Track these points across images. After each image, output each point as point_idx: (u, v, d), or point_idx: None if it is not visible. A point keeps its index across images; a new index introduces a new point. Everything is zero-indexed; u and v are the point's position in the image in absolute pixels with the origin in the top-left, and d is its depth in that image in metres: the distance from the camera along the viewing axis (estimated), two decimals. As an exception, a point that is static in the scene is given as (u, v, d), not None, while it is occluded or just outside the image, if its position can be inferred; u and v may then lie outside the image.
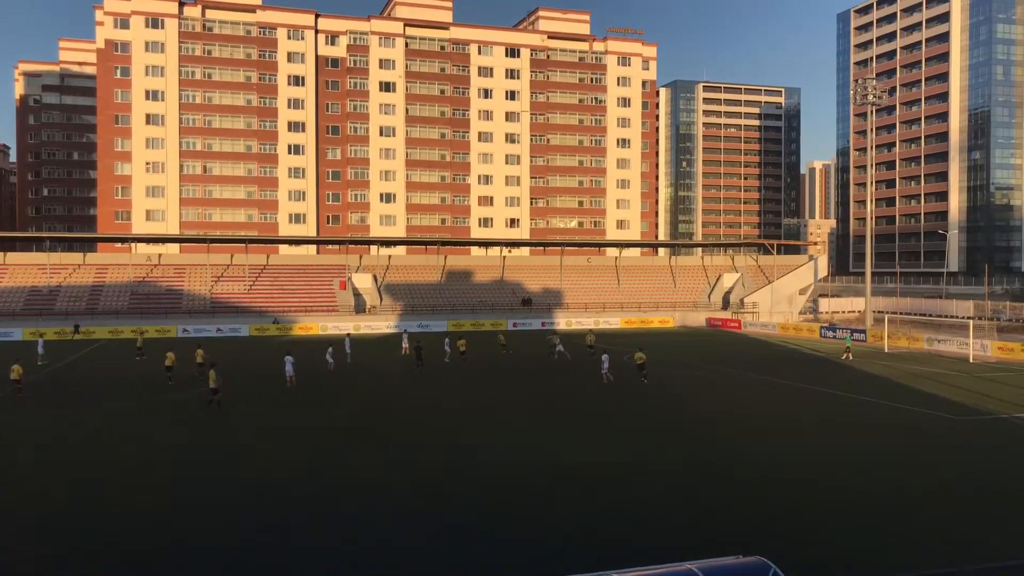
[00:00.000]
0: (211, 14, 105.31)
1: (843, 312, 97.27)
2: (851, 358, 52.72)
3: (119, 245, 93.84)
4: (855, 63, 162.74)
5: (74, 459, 24.76)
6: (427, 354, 48.33)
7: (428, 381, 42.28)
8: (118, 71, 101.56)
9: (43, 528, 18.04)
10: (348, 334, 57.06)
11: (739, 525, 18.21)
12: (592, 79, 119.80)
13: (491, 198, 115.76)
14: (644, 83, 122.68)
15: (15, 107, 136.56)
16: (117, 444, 26.82)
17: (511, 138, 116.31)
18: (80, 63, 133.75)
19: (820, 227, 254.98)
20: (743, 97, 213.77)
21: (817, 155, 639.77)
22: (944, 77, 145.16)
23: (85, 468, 23.55)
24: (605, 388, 39.26)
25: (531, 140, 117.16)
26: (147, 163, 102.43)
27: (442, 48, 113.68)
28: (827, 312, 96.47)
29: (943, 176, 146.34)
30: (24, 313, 73.37)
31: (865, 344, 64.49)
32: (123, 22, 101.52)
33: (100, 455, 25.24)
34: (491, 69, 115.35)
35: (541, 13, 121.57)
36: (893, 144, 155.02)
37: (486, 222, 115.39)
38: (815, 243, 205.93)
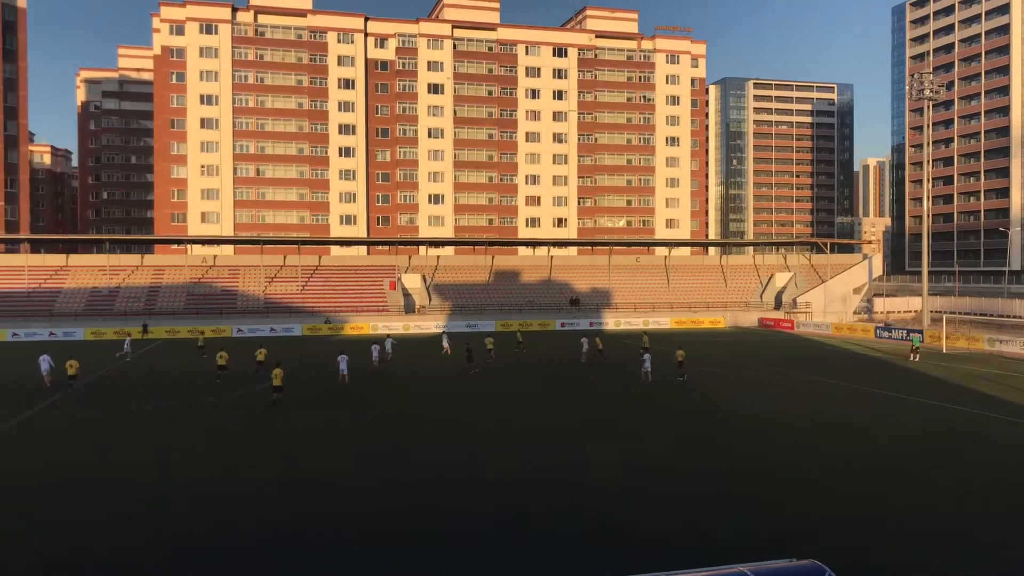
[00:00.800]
0: (263, 19, 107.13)
1: (899, 312, 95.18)
2: (918, 359, 51.70)
3: (175, 247, 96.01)
4: (911, 57, 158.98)
5: (137, 455, 25.42)
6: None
7: (476, 381, 42.47)
8: (174, 76, 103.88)
9: (133, 520, 18.58)
10: (389, 335, 57.64)
11: (792, 528, 17.97)
12: (640, 77, 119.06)
13: (538, 198, 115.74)
14: (693, 81, 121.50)
15: (77, 113, 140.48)
16: (201, 438, 27.48)
17: (558, 138, 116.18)
18: (138, 69, 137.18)
19: (875, 225, 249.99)
20: (794, 94, 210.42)
21: (871, 152, 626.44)
22: (1005, 70, 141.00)
23: (148, 466, 24.19)
24: (652, 388, 39.00)
25: (579, 139, 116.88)
26: (202, 166, 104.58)
27: (489, 49, 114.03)
28: (882, 312, 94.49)
29: (1004, 172, 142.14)
30: (86, 313, 75.49)
31: (922, 345, 63.02)
32: (178, 29, 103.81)
33: (179, 449, 25.90)
34: (538, 69, 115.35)
35: (589, 12, 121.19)
36: (951, 140, 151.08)
37: (533, 222, 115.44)
38: (869, 242, 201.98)
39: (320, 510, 19.29)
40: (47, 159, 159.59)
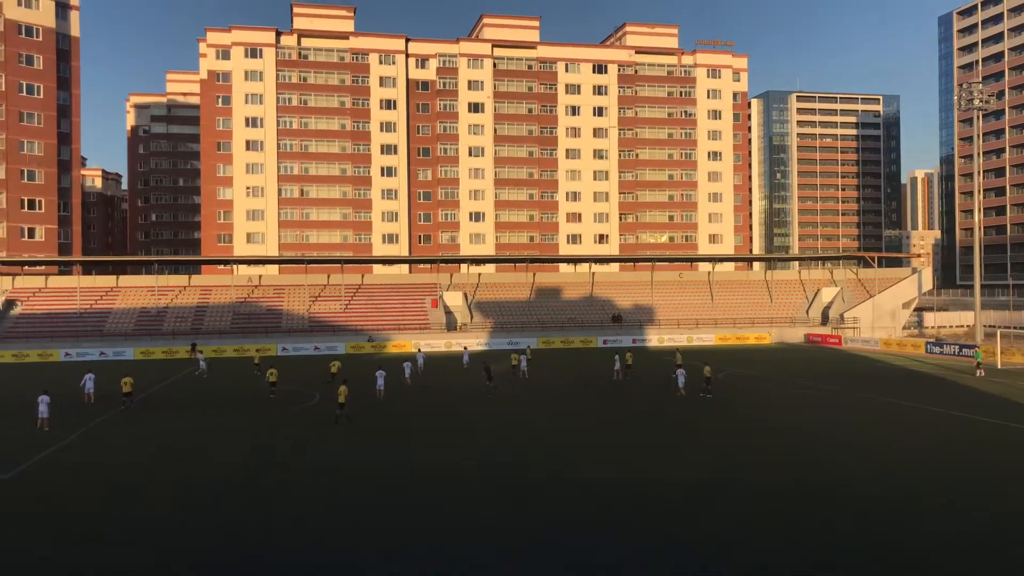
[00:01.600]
0: (306, 42, 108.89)
1: (950, 327, 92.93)
2: (983, 374, 50.42)
3: (222, 267, 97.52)
4: (959, 67, 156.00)
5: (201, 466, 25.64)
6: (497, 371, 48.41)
7: (516, 402, 42.26)
8: (220, 100, 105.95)
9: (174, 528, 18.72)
10: (419, 350, 58.22)
11: (841, 547, 17.40)
12: (681, 92, 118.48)
13: (579, 214, 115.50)
14: (735, 95, 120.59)
15: (127, 137, 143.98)
16: (287, 452, 27.69)
17: (599, 154, 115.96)
18: (185, 94, 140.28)
19: (923, 238, 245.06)
20: (839, 106, 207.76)
21: (919, 164, 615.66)
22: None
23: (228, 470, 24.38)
24: (697, 405, 38.42)
25: (619, 155, 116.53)
26: (247, 187, 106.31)
27: (529, 67, 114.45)
28: (933, 327, 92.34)
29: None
30: (135, 333, 76.91)
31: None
32: (224, 53, 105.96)
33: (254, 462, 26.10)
34: (578, 86, 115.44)
35: (628, 28, 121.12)
36: (1002, 150, 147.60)
37: (574, 239, 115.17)
38: (919, 255, 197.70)
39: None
40: (98, 183, 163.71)
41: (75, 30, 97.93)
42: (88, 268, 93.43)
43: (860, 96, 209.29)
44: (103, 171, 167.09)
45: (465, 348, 67.78)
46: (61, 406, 39.63)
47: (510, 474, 25.05)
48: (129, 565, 17.01)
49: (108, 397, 42.13)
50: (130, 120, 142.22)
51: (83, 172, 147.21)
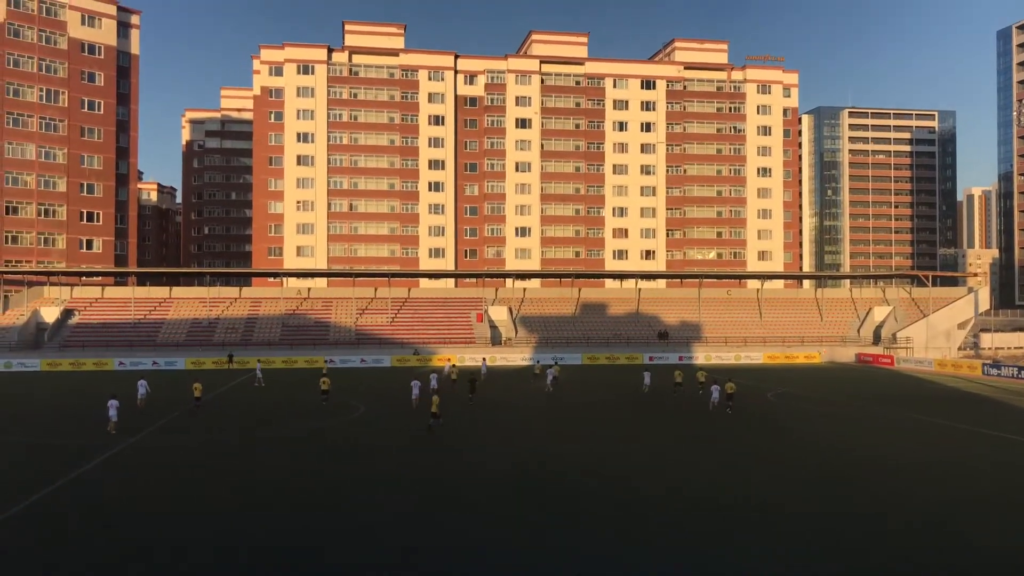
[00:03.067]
0: (357, 59, 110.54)
1: (1009, 348, 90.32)
2: None
3: (272, 279, 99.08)
4: (1018, 82, 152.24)
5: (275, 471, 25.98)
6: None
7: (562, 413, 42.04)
8: (272, 115, 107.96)
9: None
10: (435, 372, 55.39)
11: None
12: (731, 108, 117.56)
13: (626, 230, 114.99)
14: (785, 111, 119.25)
15: (182, 152, 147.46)
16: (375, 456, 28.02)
17: (646, 170, 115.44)
18: (239, 109, 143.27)
19: (980, 257, 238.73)
20: (892, 122, 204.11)
21: (976, 181, 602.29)
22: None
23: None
24: (738, 425, 37.83)
25: (667, 171, 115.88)
26: (298, 202, 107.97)
27: (577, 83, 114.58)
28: (990, 348, 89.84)
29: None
30: (187, 344, 78.42)
31: (1036, 383, 59.44)
32: (277, 70, 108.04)
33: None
34: (626, 102, 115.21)
35: (677, 44, 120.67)
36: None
37: (621, 254, 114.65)
38: (975, 274, 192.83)
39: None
40: (154, 196, 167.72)
41: (135, 48, 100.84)
42: (143, 279, 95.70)
43: (914, 112, 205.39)
44: (159, 185, 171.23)
45: (483, 359, 68.55)
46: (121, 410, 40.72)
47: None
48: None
49: (163, 403, 43.03)
50: (185, 135, 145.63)
51: (139, 186, 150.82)
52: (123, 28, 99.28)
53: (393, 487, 25.18)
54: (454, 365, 61.78)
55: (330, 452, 31.17)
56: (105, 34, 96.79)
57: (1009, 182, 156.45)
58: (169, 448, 31.97)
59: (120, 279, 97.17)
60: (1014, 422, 39.32)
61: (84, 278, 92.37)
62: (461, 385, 52.22)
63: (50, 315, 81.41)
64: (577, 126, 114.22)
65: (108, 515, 21.83)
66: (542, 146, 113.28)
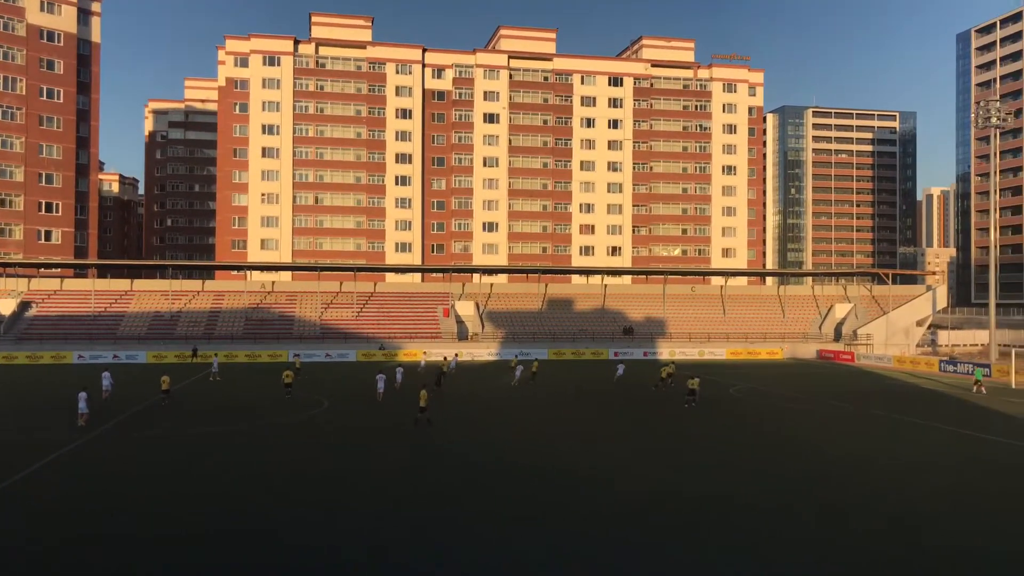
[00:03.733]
0: (324, 51, 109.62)
1: (965, 345, 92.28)
2: (983, 390, 50.80)
3: (235, 273, 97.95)
4: (976, 84, 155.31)
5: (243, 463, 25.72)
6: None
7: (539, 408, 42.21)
8: (237, 107, 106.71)
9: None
10: (400, 366, 55.70)
11: (850, 572, 17.26)
12: (697, 106, 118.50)
13: (592, 227, 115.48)
14: (750, 109, 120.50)
15: (144, 143, 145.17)
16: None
17: (613, 167, 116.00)
18: (203, 100, 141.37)
19: (938, 256, 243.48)
20: (855, 122, 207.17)
21: (935, 181, 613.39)
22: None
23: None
24: (701, 420, 38.27)
25: (633, 168, 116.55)
26: (262, 194, 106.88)
27: (545, 79, 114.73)
28: (947, 345, 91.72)
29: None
30: (148, 337, 77.33)
31: (990, 380, 60.81)
32: (242, 61, 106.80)
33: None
34: (594, 98, 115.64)
35: (645, 42, 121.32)
36: (1020, 168, 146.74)
37: (587, 250, 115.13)
38: (933, 273, 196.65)
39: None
40: (115, 187, 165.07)
41: (96, 36, 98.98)
42: (103, 271, 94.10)
43: (876, 112, 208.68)
44: (120, 176, 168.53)
45: (455, 355, 69.86)
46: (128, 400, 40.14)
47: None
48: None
49: (128, 397, 42.44)
50: (148, 125, 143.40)
51: (100, 176, 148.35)
52: (84, 15, 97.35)
53: (358, 481, 25.10)
54: (447, 359, 63.89)
55: (290, 445, 30.97)
56: (65, 21, 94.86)
57: (967, 183, 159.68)
58: (136, 442, 31.53)
59: (80, 271, 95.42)
60: (970, 418, 40.20)
61: (42, 270, 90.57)
62: (428, 378, 52.34)
63: (6, 307, 79.74)
64: (545, 122, 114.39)
65: (56, 511, 21.51)
66: (510, 141, 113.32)
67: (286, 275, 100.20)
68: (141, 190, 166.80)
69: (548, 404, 44.28)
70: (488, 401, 45.56)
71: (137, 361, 70.92)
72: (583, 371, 64.65)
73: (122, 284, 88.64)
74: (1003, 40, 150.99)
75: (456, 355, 69.87)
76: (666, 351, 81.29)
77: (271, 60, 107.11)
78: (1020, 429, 36.37)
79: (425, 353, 71.22)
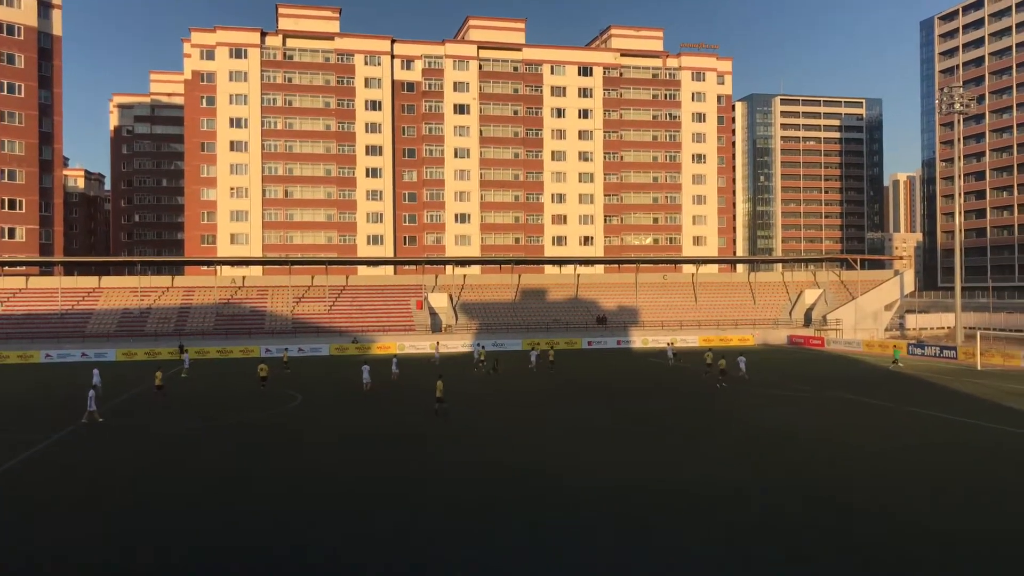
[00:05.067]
0: (291, 43, 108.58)
1: (932, 328, 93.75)
2: (901, 366, 56.35)
3: (205, 268, 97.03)
4: (940, 71, 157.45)
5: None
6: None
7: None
8: (204, 100, 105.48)
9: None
10: (366, 363, 53.81)
11: (832, 556, 17.56)
12: (666, 95, 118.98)
13: (564, 216, 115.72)
14: (719, 98, 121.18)
15: (110, 138, 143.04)
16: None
17: (584, 156, 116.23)
18: (169, 94, 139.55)
19: (906, 241, 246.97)
20: (822, 109, 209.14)
21: (901, 167, 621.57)
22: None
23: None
24: (675, 405, 38.62)
25: (604, 158, 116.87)
26: (231, 188, 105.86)
27: (515, 69, 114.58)
28: (915, 328, 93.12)
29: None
30: (117, 334, 76.41)
31: (956, 362, 61.94)
32: (209, 53, 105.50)
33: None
34: (564, 88, 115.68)
35: (614, 31, 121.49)
36: (983, 153, 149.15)
37: (560, 240, 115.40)
38: (901, 257, 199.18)
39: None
40: (81, 183, 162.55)
41: (57, 29, 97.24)
42: (70, 269, 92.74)
43: (843, 99, 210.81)
44: (86, 171, 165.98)
45: (437, 345, 71.68)
46: (73, 402, 39.88)
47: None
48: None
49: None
50: (113, 120, 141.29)
51: (65, 172, 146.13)
52: (44, 8, 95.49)
53: (335, 478, 25.08)
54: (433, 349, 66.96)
55: (256, 444, 30.84)
56: (25, 14, 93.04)
57: (932, 168, 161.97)
58: (129, 432, 31.22)
59: (45, 269, 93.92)
60: (936, 400, 40.90)
61: (6, 268, 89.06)
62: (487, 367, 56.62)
63: (-29, 307, 78.38)
64: (515, 112, 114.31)
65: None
66: (481, 132, 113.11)
67: (257, 270, 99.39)
68: (108, 186, 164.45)
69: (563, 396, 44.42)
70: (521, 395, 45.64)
71: (107, 359, 70.02)
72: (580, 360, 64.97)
73: (89, 281, 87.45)
74: (966, 27, 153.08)
75: (438, 344, 72.14)
76: (639, 339, 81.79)
77: (238, 52, 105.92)
78: (982, 409, 37.07)
79: (438, 344, 72.70)
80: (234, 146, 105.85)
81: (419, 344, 76.94)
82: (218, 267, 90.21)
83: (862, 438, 30.17)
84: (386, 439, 30.93)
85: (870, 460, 26.39)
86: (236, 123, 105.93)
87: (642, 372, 56.48)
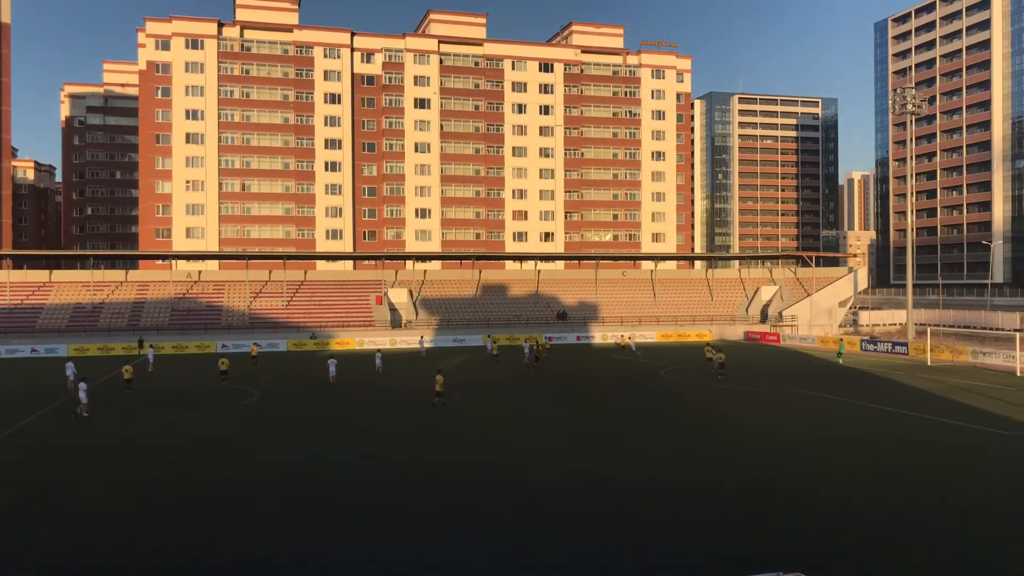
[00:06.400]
0: (249, 34, 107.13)
1: (884, 325, 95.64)
2: (841, 362, 58.44)
3: (160, 262, 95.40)
4: (893, 72, 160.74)
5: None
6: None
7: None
8: (159, 91, 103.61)
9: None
10: (333, 357, 50.22)
11: (777, 541, 17.86)
12: (626, 92, 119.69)
13: (525, 212, 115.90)
14: (678, 96, 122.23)
15: (61, 128, 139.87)
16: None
17: (545, 152, 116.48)
18: (123, 84, 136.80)
19: (860, 239, 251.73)
20: (779, 108, 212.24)
21: (855, 166, 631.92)
22: (986, 85, 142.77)
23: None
24: (635, 401, 38.97)
25: (565, 154, 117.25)
26: (187, 181, 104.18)
27: (476, 64, 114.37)
28: (868, 325, 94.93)
29: (986, 186, 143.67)
30: (69, 329, 74.81)
31: (907, 357, 63.28)
32: (164, 44, 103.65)
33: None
34: (525, 84, 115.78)
35: (574, 28, 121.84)
36: (934, 154, 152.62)
37: (521, 236, 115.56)
38: (854, 255, 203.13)
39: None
40: (30, 174, 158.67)
41: (5, 16, 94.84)
42: (19, 262, 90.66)
43: (800, 99, 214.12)
44: (36, 162, 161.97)
45: (421, 338, 71.29)
46: (43, 397, 39.25)
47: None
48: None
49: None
50: (65, 110, 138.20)
51: (14, 163, 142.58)
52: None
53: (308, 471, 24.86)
54: (495, 341, 67.50)
55: (218, 440, 30.47)
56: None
57: (885, 167, 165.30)
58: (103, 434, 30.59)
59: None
60: (887, 394, 41.77)
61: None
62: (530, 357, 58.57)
63: (-85, 301, 76.18)
64: (476, 107, 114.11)
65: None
66: (441, 127, 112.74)
67: (213, 264, 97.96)
68: (59, 177, 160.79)
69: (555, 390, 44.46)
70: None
71: (57, 355, 68.47)
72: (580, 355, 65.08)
73: (40, 275, 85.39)
74: (918, 29, 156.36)
75: (422, 338, 71.99)
76: (598, 335, 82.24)
77: (194, 43, 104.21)
78: (920, 400, 37.97)
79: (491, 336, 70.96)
80: (190, 138, 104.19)
81: (378, 340, 76.48)
82: (173, 261, 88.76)
83: (802, 428, 30.73)
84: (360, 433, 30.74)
85: (801, 447, 26.92)
86: (192, 115, 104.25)
87: (610, 366, 56.84)
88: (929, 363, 58.22)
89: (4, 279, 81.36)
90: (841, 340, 65.16)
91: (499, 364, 58.42)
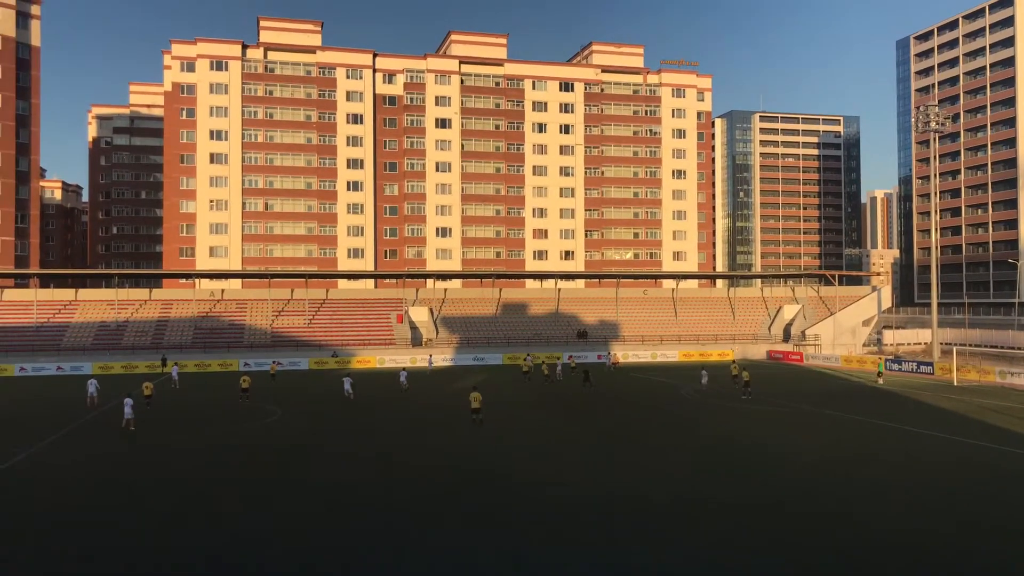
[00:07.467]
0: (273, 56, 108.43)
1: (909, 344, 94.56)
2: (881, 383, 56.77)
3: (183, 281, 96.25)
4: (916, 90, 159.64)
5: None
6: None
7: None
8: (184, 112, 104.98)
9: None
10: (348, 376, 51.88)
11: (792, 565, 17.60)
12: (646, 111, 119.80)
13: (545, 231, 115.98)
14: (699, 114, 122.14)
15: (88, 149, 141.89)
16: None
17: (565, 171, 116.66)
18: (149, 106, 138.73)
19: (883, 257, 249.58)
20: (801, 127, 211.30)
21: (878, 184, 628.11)
22: (1011, 102, 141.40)
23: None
24: (654, 420, 38.66)
25: (585, 173, 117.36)
26: (211, 201, 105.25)
27: (497, 84, 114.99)
28: (892, 344, 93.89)
29: (1012, 203, 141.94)
30: (94, 348, 75.55)
31: (932, 377, 62.47)
32: (189, 65, 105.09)
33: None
34: (545, 103, 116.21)
35: (595, 47, 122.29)
36: (958, 171, 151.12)
37: (541, 255, 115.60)
38: (878, 273, 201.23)
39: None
40: (58, 194, 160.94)
41: (35, 39, 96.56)
42: (46, 281, 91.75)
43: (821, 117, 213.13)
44: (63, 183, 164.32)
45: (430, 355, 73.23)
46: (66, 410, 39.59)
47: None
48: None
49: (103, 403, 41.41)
50: (92, 132, 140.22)
51: (42, 183, 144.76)
52: (23, 18, 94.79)
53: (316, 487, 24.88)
54: (571, 356, 71.20)
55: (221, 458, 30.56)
56: (2, 24, 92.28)
57: (908, 185, 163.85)
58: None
59: (21, 281, 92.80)
60: (913, 415, 41.21)
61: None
62: (578, 375, 58.96)
63: (-56, 319, 77.26)
64: (497, 127, 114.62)
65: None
66: (462, 146, 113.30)
67: (236, 283, 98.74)
68: (85, 197, 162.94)
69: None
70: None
71: (83, 372, 69.17)
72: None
73: (66, 294, 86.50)
74: (940, 47, 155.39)
75: (431, 356, 74.27)
76: (619, 353, 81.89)
77: (219, 65, 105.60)
78: (946, 421, 37.39)
79: (570, 356, 72.10)
80: (214, 158, 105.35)
81: (399, 358, 76.58)
82: (197, 280, 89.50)
83: (826, 450, 30.35)
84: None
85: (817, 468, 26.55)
86: (216, 135, 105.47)
87: (633, 385, 56.51)
88: (956, 383, 57.42)
89: (32, 298, 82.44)
90: (880, 360, 63.71)
91: (531, 381, 59.93)
